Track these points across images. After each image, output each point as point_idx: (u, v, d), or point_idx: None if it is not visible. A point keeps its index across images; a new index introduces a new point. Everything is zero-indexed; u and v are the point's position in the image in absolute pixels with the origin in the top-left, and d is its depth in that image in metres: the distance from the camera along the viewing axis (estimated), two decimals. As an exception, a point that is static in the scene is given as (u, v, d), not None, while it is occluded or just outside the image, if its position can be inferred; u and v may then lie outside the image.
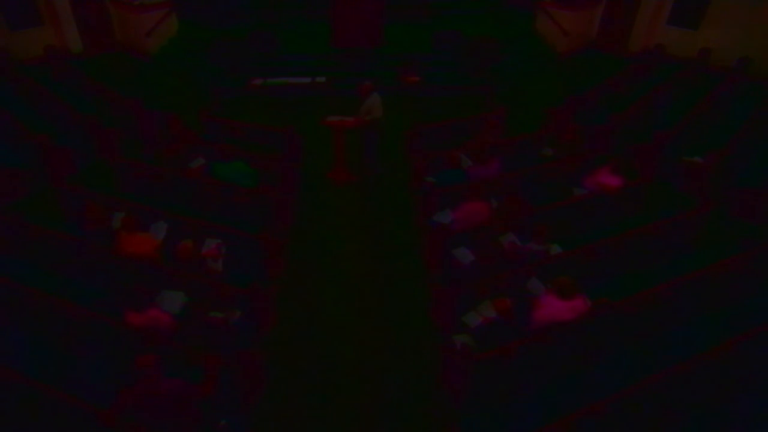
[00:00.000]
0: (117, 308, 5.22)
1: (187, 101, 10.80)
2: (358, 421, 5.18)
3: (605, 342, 5.52)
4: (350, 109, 8.47)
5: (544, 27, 13.16)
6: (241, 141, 8.77)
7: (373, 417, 5.22)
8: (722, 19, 11.50)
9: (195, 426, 4.48)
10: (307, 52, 12.25)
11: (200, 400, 4.43)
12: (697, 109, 9.44)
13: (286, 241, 7.22)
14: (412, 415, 5.23)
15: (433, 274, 6.67)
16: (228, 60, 11.78)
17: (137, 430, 4.23)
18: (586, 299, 5.27)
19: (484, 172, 7.41)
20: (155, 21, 12.42)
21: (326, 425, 5.14)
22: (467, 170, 7.53)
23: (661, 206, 7.64)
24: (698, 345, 5.18)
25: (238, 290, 5.60)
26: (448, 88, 11.34)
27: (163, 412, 4.30)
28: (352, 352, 5.87)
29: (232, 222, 6.68)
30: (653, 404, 4.82)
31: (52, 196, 7.58)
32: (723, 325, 5.72)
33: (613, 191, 7.07)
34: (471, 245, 6.40)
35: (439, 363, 5.55)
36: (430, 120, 9.35)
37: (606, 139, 8.96)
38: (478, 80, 11.44)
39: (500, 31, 12.93)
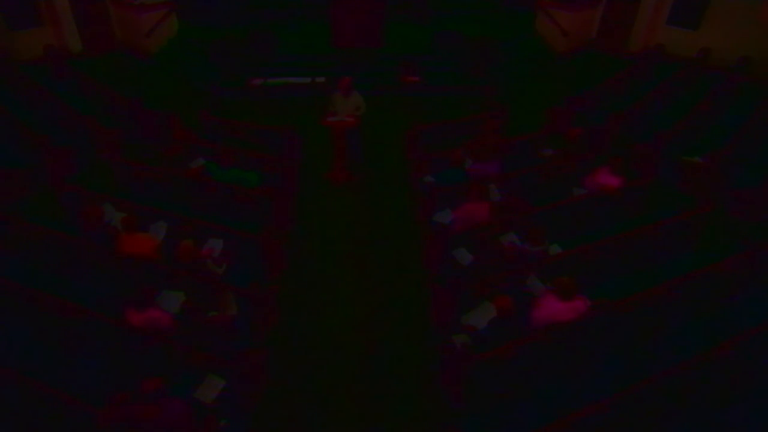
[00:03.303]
0: (117, 308, 5.22)
1: (187, 101, 10.80)
2: (358, 421, 5.19)
3: (605, 342, 5.52)
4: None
5: (544, 27, 13.16)
6: (241, 141, 8.78)
7: (372, 417, 5.22)
8: (722, 19, 11.49)
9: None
10: (307, 52, 12.25)
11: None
12: (697, 109, 9.43)
13: (286, 241, 7.22)
14: (412, 415, 5.23)
15: (433, 274, 6.67)
16: (228, 60, 11.78)
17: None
18: (586, 299, 5.27)
19: (484, 172, 7.41)
20: (155, 21, 12.42)
21: (326, 425, 5.14)
22: (468, 170, 7.53)
23: (661, 206, 7.64)
24: (698, 345, 5.18)
25: (238, 290, 5.60)
26: (448, 88, 11.34)
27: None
28: (352, 352, 5.87)
29: (232, 222, 6.68)
30: (653, 404, 4.82)
31: (52, 196, 7.58)
32: (723, 325, 5.72)
33: (613, 191, 7.07)
34: (471, 245, 6.40)
35: (439, 363, 5.56)
36: (430, 120, 9.35)
37: (606, 139, 8.96)
38: (478, 80, 11.44)
39: (500, 31, 12.93)
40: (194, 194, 7.36)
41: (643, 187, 7.50)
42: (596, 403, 4.51)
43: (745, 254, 6.12)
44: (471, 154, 7.71)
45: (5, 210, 6.75)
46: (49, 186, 7.98)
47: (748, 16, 11.03)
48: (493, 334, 5.22)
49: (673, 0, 12.06)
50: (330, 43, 12.23)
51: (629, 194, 7.28)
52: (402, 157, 9.15)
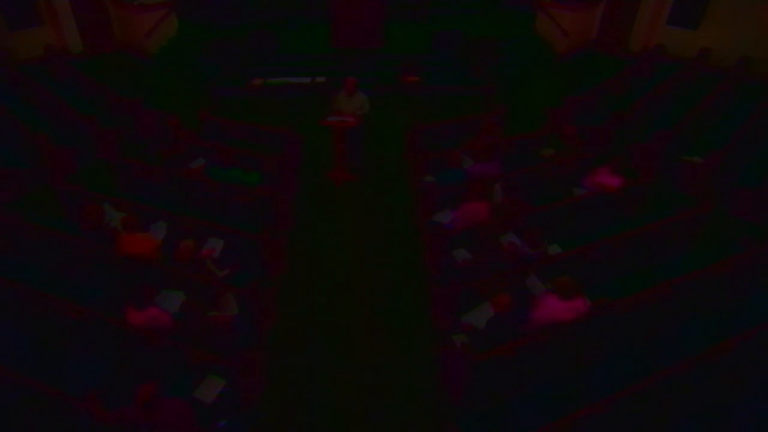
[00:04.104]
0: (117, 308, 5.22)
1: (187, 101, 10.80)
2: (358, 421, 5.18)
3: (605, 342, 5.52)
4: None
5: (544, 27, 13.16)
6: (241, 141, 8.78)
7: (372, 417, 5.22)
8: (722, 19, 11.50)
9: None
10: (307, 52, 12.25)
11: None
12: (697, 109, 9.44)
13: (286, 241, 7.22)
14: (412, 414, 5.23)
15: (433, 274, 6.67)
16: (228, 60, 11.79)
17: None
18: (586, 299, 5.27)
19: (484, 172, 7.41)
20: (155, 21, 12.43)
21: (326, 425, 5.14)
22: (467, 170, 7.53)
23: (661, 206, 7.64)
24: (698, 345, 5.18)
25: (238, 290, 5.60)
26: (448, 88, 11.34)
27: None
28: (352, 352, 5.87)
29: (232, 222, 6.68)
30: (653, 404, 4.82)
31: (52, 196, 7.58)
32: (723, 325, 5.72)
33: (613, 191, 7.07)
34: (471, 245, 6.40)
35: (439, 363, 5.56)
36: (430, 120, 9.35)
37: (606, 139, 8.96)
38: (478, 80, 11.44)
39: (500, 31, 12.93)
40: (194, 194, 7.36)
41: (643, 187, 7.50)
42: (596, 403, 4.51)
43: (745, 254, 6.12)
44: (471, 154, 7.71)
45: (5, 210, 6.75)
46: (49, 186, 7.98)
47: (748, 16, 11.04)
48: (492, 333, 5.22)
49: (673, 0, 12.07)
50: (330, 43, 12.24)
51: (629, 194, 7.28)
52: (402, 157, 9.16)
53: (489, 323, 5.30)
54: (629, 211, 7.43)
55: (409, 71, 11.17)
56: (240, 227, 6.49)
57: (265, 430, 5.07)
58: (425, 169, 7.77)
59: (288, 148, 8.54)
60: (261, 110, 10.65)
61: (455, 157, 7.55)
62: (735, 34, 11.32)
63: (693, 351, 5.02)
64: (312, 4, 13.35)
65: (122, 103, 9.71)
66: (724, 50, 11.43)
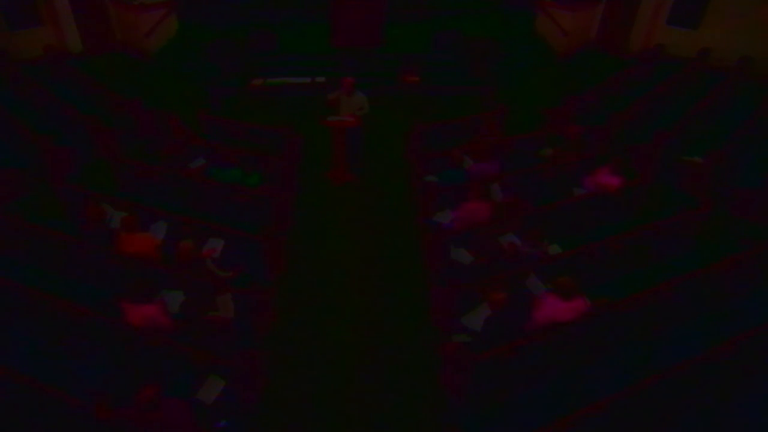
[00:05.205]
0: (117, 308, 5.22)
1: (187, 101, 10.80)
2: (358, 421, 5.18)
3: (605, 342, 5.52)
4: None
5: (544, 27, 13.16)
6: (240, 141, 8.77)
7: (372, 417, 5.22)
8: (722, 18, 11.50)
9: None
10: (307, 52, 12.25)
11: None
12: (697, 109, 9.43)
13: (286, 241, 7.22)
14: (412, 415, 5.23)
15: (432, 274, 6.67)
16: (228, 60, 11.78)
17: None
18: (586, 299, 5.27)
19: (484, 172, 7.42)
20: (155, 21, 12.42)
21: (326, 425, 5.14)
22: (468, 170, 7.53)
23: (661, 206, 7.64)
24: (698, 345, 5.18)
25: (239, 290, 5.60)
26: (448, 88, 11.34)
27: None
28: (352, 352, 5.87)
29: (232, 222, 6.68)
30: (653, 404, 4.82)
31: (52, 196, 7.58)
32: (723, 325, 5.72)
33: (613, 191, 7.07)
34: (471, 245, 6.40)
35: (439, 363, 5.56)
36: (430, 120, 9.35)
37: (606, 139, 8.95)
38: (478, 80, 11.44)
39: (500, 31, 12.93)
40: (194, 194, 7.36)
41: (643, 187, 7.50)
42: (596, 403, 4.51)
43: (745, 254, 6.12)
44: (471, 154, 7.71)
45: (5, 210, 6.75)
46: (49, 186, 7.98)
47: (748, 16, 11.04)
48: (491, 333, 5.21)
49: (673, 0, 12.07)
50: (330, 43, 12.23)
51: (629, 194, 7.28)
52: (402, 157, 9.16)
53: (486, 323, 5.30)
54: (629, 211, 7.43)
55: (409, 71, 11.17)
56: (240, 227, 6.49)
57: (265, 430, 5.07)
58: (425, 169, 7.77)
59: (288, 148, 8.54)
60: (261, 110, 10.64)
61: (455, 157, 7.55)
62: (735, 33, 11.31)
63: (693, 351, 5.02)
64: (312, 4, 13.35)
65: (122, 103, 9.71)
66: (724, 50, 11.43)
